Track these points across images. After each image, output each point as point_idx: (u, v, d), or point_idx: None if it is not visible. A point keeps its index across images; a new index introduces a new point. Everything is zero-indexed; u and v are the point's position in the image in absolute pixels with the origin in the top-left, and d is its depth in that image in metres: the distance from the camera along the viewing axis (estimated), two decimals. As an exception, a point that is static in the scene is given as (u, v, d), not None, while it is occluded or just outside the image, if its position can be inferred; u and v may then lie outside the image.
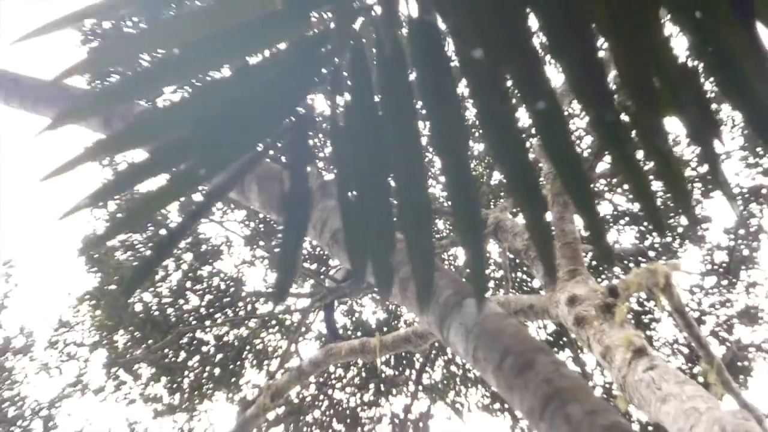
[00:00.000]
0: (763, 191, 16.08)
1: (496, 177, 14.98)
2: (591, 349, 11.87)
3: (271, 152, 2.40)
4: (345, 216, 2.36)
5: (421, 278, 2.45)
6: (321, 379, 16.73)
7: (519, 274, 15.52)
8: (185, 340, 16.46)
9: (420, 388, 16.86)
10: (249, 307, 16.60)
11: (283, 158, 2.41)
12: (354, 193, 2.35)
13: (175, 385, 16.76)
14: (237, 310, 16.59)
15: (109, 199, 2.45)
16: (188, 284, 16.34)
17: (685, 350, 15.91)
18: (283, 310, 16.53)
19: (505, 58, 2.19)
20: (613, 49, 2.14)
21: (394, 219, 2.36)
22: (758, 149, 15.44)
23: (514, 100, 2.24)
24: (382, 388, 17.01)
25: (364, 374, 16.87)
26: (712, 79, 2.14)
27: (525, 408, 5.41)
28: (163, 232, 14.46)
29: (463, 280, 5.59)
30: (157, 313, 16.17)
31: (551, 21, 2.15)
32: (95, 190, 2.50)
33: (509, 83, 2.23)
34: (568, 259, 12.17)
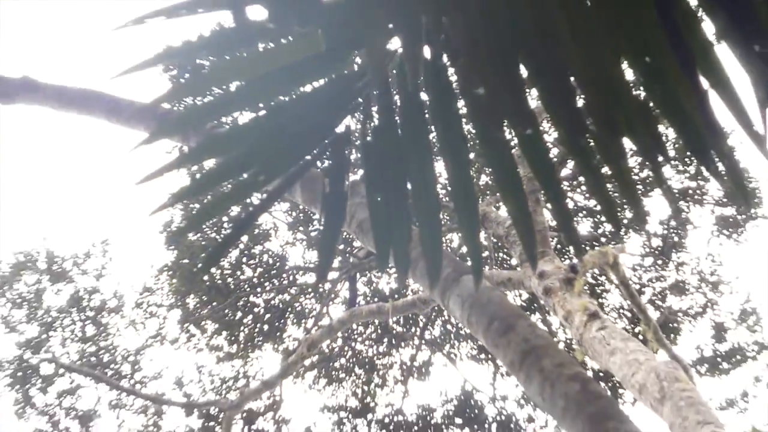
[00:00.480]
0: (690, 191, 16.08)
1: (483, 179, 14.93)
2: (556, 313, 11.89)
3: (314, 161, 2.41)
4: (372, 213, 2.37)
5: (431, 261, 2.45)
6: (346, 334, 16.74)
7: (500, 254, 15.48)
8: (241, 302, 16.50)
9: (423, 342, 16.85)
10: (291, 278, 16.63)
11: (320, 165, 2.42)
12: (379, 195, 2.36)
13: (233, 338, 16.79)
14: (281, 280, 16.61)
15: (187, 199, 2.45)
16: (244, 259, 16.38)
17: (629, 314, 15.91)
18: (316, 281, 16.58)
19: (497, 93, 2.19)
20: (584, 87, 2.15)
21: (411, 215, 2.37)
22: (686, 159, 15.41)
23: (503, 123, 2.25)
24: (394, 342, 17.02)
25: (379, 331, 16.87)
26: (657, 108, 2.14)
27: (507, 361, 5.41)
28: (228, 223, 14.62)
29: (457, 259, 5.60)
30: (220, 281, 16.20)
31: (536, 67, 2.15)
32: (176, 193, 2.52)
33: (500, 111, 2.24)
34: (539, 243, 12.16)
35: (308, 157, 2.36)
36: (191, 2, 2.18)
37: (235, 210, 14.16)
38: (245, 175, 2.38)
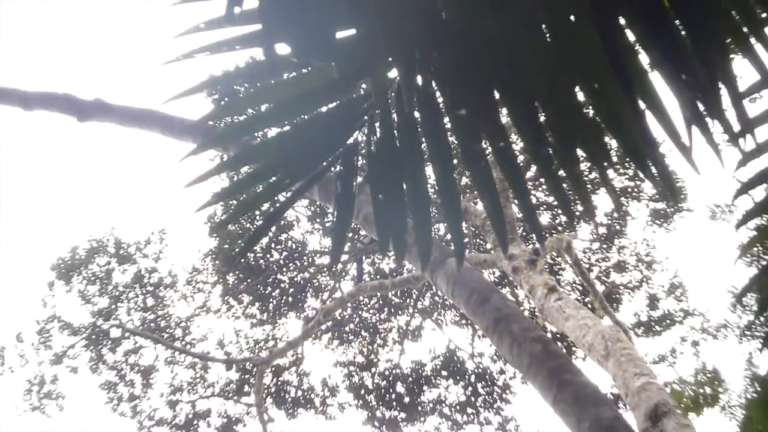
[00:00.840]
0: (629, 190, 16.08)
1: (464, 180, 14.93)
2: (522, 287, 11.91)
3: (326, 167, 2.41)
4: (375, 209, 2.37)
5: (422, 247, 2.45)
6: (354, 305, 16.73)
7: (478, 240, 15.49)
8: (270, 279, 16.48)
9: (416, 310, 16.84)
10: (310, 259, 16.62)
11: (334, 170, 2.41)
12: (381, 194, 2.36)
13: (263, 308, 16.78)
14: (302, 261, 16.59)
15: (227, 198, 2.44)
16: (272, 245, 16.37)
17: (580, 288, 15.89)
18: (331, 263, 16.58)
19: (476, 112, 2.19)
20: (544, 107, 2.14)
21: (406, 210, 2.36)
22: (626, 164, 15.40)
23: (480, 137, 2.24)
24: (392, 311, 17.01)
25: (381, 302, 16.86)
26: (603, 124, 2.14)
27: (483, 326, 5.41)
28: (260, 216, 14.67)
29: (443, 245, 5.61)
30: (253, 263, 16.20)
31: (507, 92, 2.15)
32: (218, 192, 2.53)
33: (478, 127, 2.23)
34: (508, 231, 12.15)
35: (324, 164, 2.36)
36: (231, 40, 2.17)
37: (265, 206, 14.25)
38: (273, 179, 2.38)
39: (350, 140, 2.31)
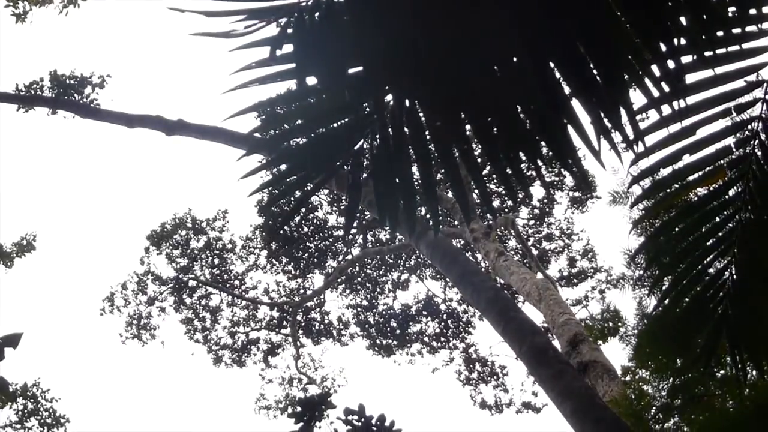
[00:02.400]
0: (555, 182, 16.04)
1: (439, 176, 14.92)
2: (480, 252, 11.93)
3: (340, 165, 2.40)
4: (377, 196, 2.36)
5: (409, 224, 2.45)
6: (361, 264, 16.74)
7: (449, 219, 15.48)
8: (301, 246, 16.47)
9: (405, 268, 16.86)
10: (330, 232, 16.59)
11: (346, 168, 2.41)
12: (381, 185, 2.36)
13: (296, 266, 16.79)
14: (324, 233, 16.58)
15: (269, 187, 2.45)
16: (303, 221, 16.33)
17: (521, 252, 15.89)
18: (344, 234, 16.54)
19: (448, 125, 2.19)
20: (497, 123, 2.15)
21: (398, 197, 2.36)
22: (554, 163, 15.38)
23: (452, 143, 2.24)
24: (388, 268, 17.02)
25: (380, 262, 16.86)
26: (539, 135, 2.14)
27: (452, 279, 5.39)
28: (293, 200, 14.67)
29: (424, 221, 5.61)
30: (289, 234, 16.18)
31: (471, 111, 2.15)
32: (263, 183, 2.52)
33: (450, 136, 2.23)
34: (470, 212, 12.11)
35: (338, 164, 2.35)
36: (273, 74, 2.17)
37: (297, 194, 14.19)
38: (302, 174, 2.38)
39: (357, 146, 2.31)
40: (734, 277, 3.01)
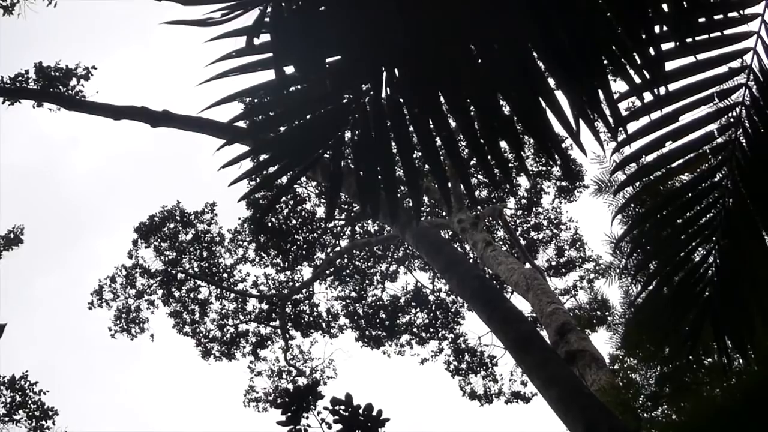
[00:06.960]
0: (542, 172, 16.08)
1: (426, 167, 14.90)
2: (467, 242, 11.96)
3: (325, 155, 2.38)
4: (359, 187, 2.35)
5: (391, 213, 2.44)
6: (349, 256, 16.74)
7: (437, 209, 15.47)
8: (290, 238, 16.43)
9: (393, 259, 16.87)
10: (318, 224, 16.55)
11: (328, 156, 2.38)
12: (363, 175, 2.34)
13: (285, 259, 16.76)
14: (312, 225, 16.54)
15: (252, 175, 2.42)
16: (291, 214, 16.28)
17: (509, 242, 15.93)
18: (332, 225, 16.48)
19: (429, 114, 2.17)
20: (479, 114, 2.14)
21: (380, 188, 2.35)
22: (540, 154, 15.43)
23: (433, 131, 2.23)
24: (376, 260, 17.02)
25: (369, 253, 16.86)
26: (523, 126, 2.13)
27: (439, 268, 5.39)
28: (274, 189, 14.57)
29: (409, 210, 5.60)
30: (278, 227, 16.14)
31: (452, 101, 2.13)
32: (245, 172, 2.49)
33: (431, 125, 2.22)
34: (457, 203, 12.13)
35: (319, 152, 2.33)
36: (253, 63, 2.14)
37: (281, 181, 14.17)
38: (283, 162, 2.36)
39: (339, 135, 2.29)
40: (717, 263, 3.02)
